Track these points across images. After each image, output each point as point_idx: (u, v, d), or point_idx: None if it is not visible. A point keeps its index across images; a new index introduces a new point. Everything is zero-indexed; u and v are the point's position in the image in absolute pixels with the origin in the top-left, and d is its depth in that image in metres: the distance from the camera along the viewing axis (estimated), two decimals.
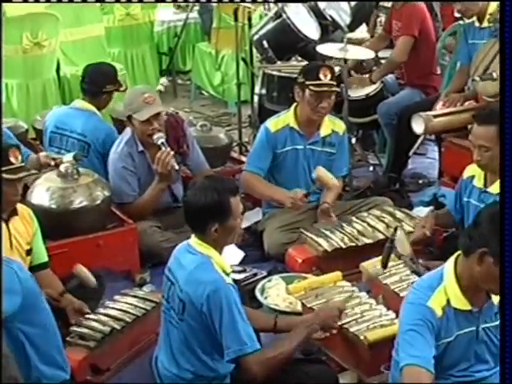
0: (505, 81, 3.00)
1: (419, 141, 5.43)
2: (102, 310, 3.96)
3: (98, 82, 5.34)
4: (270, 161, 5.06)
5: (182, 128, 5.19)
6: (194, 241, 3.36)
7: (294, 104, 5.08)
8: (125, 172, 4.94)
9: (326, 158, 5.12)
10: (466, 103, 5.51)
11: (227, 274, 3.31)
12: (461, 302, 2.93)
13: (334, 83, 4.93)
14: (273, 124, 5.07)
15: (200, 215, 3.28)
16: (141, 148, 4.96)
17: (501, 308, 2.86)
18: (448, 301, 2.92)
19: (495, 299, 2.98)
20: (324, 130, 5.09)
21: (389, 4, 6.86)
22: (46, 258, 3.98)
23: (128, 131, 5.00)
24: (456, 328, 2.94)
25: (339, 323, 3.64)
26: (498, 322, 3.00)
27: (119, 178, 4.94)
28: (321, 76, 4.84)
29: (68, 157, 4.85)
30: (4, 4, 6.60)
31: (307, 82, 4.87)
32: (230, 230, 3.32)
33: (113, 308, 3.99)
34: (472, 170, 4.37)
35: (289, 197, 4.89)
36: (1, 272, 2.91)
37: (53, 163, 4.89)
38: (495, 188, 4.20)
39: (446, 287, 2.93)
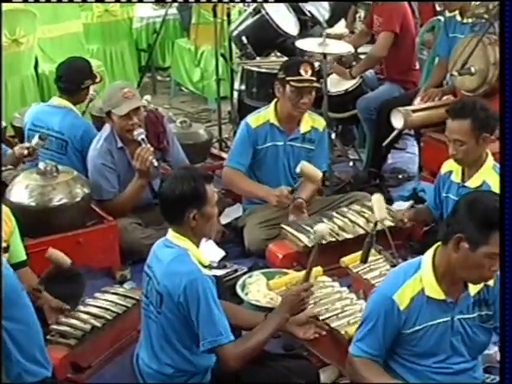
0: (505, 80, 3.03)
1: (394, 133, 5.42)
2: (82, 308, 3.95)
3: (76, 80, 5.30)
4: (251, 157, 5.06)
5: (161, 124, 5.18)
6: (171, 235, 3.37)
7: (274, 100, 5.08)
8: (104, 169, 4.92)
9: (305, 154, 5.12)
10: (444, 98, 5.54)
11: (204, 267, 3.32)
12: (435, 292, 2.96)
13: (315, 79, 4.94)
14: (253, 120, 5.06)
15: (178, 204, 3.29)
16: (120, 144, 4.94)
17: (501, 308, 2.90)
18: (422, 289, 2.95)
19: (472, 290, 3.00)
20: (304, 127, 5.09)
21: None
22: (24, 257, 3.95)
23: (107, 128, 4.98)
24: (429, 317, 2.97)
25: (321, 318, 3.69)
26: (475, 315, 3.03)
27: (98, 175, 4.92)
28: (301, 72, 4.84)
29: (35, 140, 4.87)
30: None
31: (288, 78, 4.86)
32: (207, 217, 3.33)
33: (93, 305, 3.98)
34: (449, 166, 4.40)
35: (274, 194, 4.87)
36: (1, 272, 2.90)
37: (26, 152, 4.86)
38: (473, 182, 4.23)
39: (421, 276, 2.97)
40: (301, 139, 5.10)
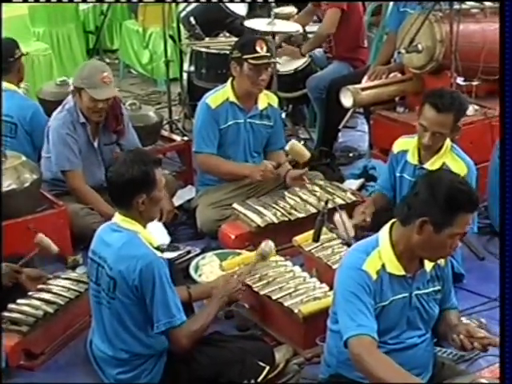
0: (505, 81, 3.07)
1: (348, 114, 5.45)
2: (34, 294, 3.91)
3: (7, 52, 5.14)
4: (218, 136, 5.02)
5: (119, 107, 5.12)
6: (118, 218, 3.37)
7: (230, 79, 5.04)
8: (69, 139, 4.85)
9: (264, 130, 5.14)
10: (391, 75, 5.57)
11: (154, 248, 3.33)
12: (395, 268, 2.98)
13: (270, 55, 4.94)
14: (212, 100, 5.00)
15: (127, 188, 3.28)
16: (82, 120, 4.88)
17: (501, 307, 2.94)
18: (383, 265, 2.96)
19: (428, 266, 3.05)
20: (261, 104, 5.09)
21: None
22: None
23: (70, 100, 4.90)
24: (391, 293, 2.99)
25: (275, 297, 3.75)
26: (430, 290, 3.07)
27: (62, 144, 4.84)
28: (257, 49, 4.83)
29: None
30: None
31: (245, 56, 4.83)
32: (155, 201, 3.35)
33: (45, 291, 3.94)
34: (402, 145, 4.36)
35: (258, 170, 4.89)
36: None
37: None
38: (432, 164, 4.14)
39: (380, 252, 2.97)
40: (259, 116, 5.10)
